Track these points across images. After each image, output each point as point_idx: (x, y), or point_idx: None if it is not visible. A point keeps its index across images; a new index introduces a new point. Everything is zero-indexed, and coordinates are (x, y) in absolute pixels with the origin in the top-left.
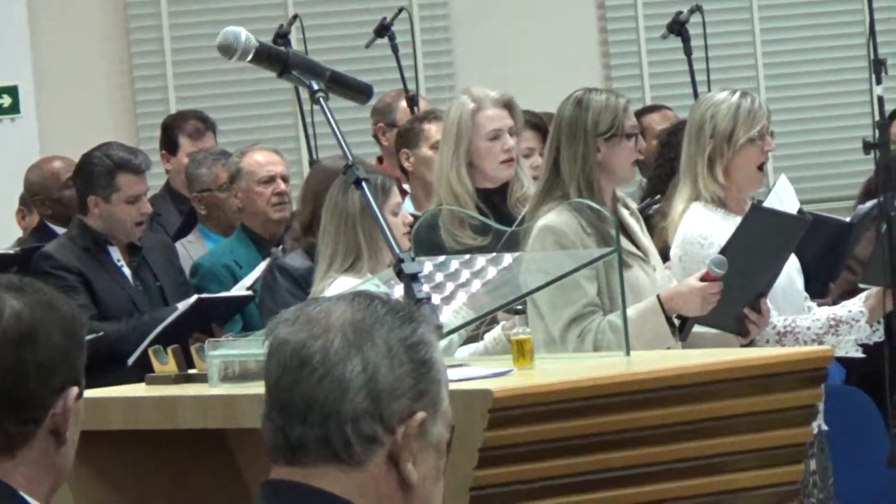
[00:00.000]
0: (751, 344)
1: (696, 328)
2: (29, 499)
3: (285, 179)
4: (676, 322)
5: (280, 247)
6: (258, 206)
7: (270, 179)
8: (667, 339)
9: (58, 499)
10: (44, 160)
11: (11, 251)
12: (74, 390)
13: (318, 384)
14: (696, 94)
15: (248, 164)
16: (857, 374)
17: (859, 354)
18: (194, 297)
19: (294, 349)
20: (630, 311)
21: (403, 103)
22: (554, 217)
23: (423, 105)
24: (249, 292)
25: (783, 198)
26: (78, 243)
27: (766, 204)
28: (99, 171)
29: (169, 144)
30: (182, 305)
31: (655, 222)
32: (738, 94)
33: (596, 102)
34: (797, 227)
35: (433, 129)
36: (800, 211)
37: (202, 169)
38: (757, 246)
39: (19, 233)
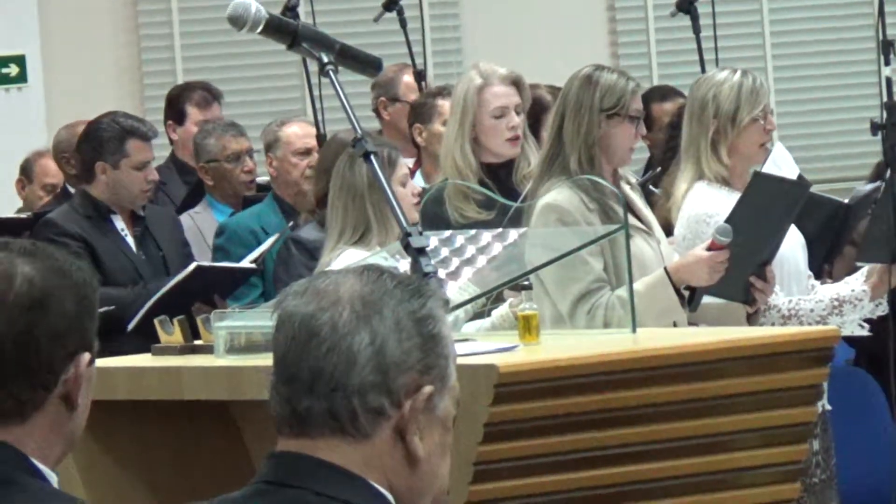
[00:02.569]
0: (755, 321)
1: (703, 300)
2: (39, 464)
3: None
4: (685, 294)
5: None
6: (292, 176)
7: (307, 152)
8: (676, 311)
9: (62, 467)
10: (77, 122)
11: (24, 216)
12: (86, 356)
13: (326, 356)
14: (703, 73)
15: (285, 135)
16: (866, 354)
17: (865, 332)
18: (193, 265)
19: (302, 321)
20: (638, 285)
21: (406, 77)
22: (556, 195)
23: (430, 80)
24: (252, 265)
25: (781, 164)
26: (80, 212)
27: (765, 170)
28: (108, 136)
29: (175, 114)
30: (181, 273)
31: (656, 201)
32: (739, 73)
33: (605, 80)
34: (799, 192)
35: (447, 106)
36: (800, 176)
37: (210, 139)
38: (760, 213)
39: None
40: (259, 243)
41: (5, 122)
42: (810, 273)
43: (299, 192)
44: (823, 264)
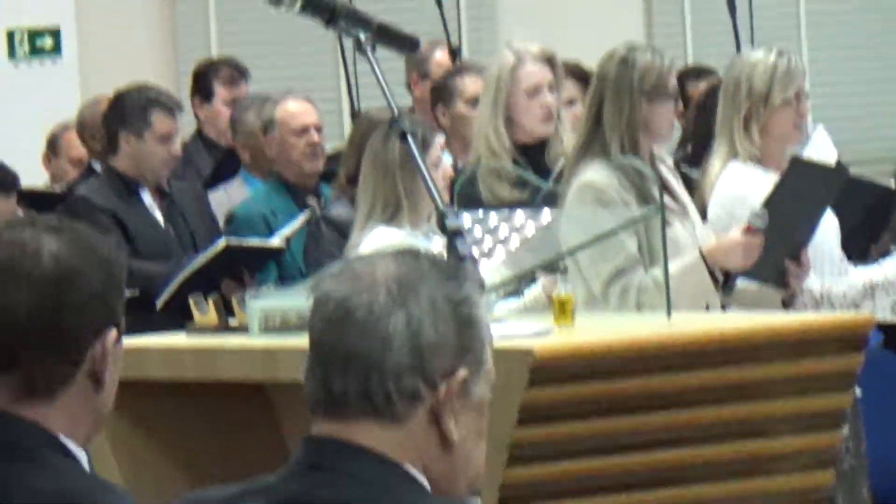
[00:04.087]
0: (790, 305)
1: (738, 283)
2: (68, 442)
3: (318, 129)
4: (720, 277)
5: (320, 198)
6: (292, 156)
7: (304, 130)
8: (710, 294)
9: (95, 447)
10: (100, 97)
11: (56, 190)
12: (113, 332)
13: (361, 338)
14: (738, 51)
15: (281, 114)
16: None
17: None
18: (222, 241)
19: (338, 303)
20: (673, 267)
21: (438, 54)
22: (593, 174)
23: (465, 56)
24: (281, 244)
25: (820, 148)
26: (109, 186)
27: (805, 155)
28: (132, 106)
29: (202, 91)
30: (209, 250)
31: (697, 185)
32: (774, 54)
33: (641, 60)
34: (836, 178)
35: (468, 83)
36: (838, 162)
37: (249, 114)
38: (796, 198)
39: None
40: (269, 226)
41: (40, 95)
42: (843, 256)
43: (302, 171)
44: (868, 247)
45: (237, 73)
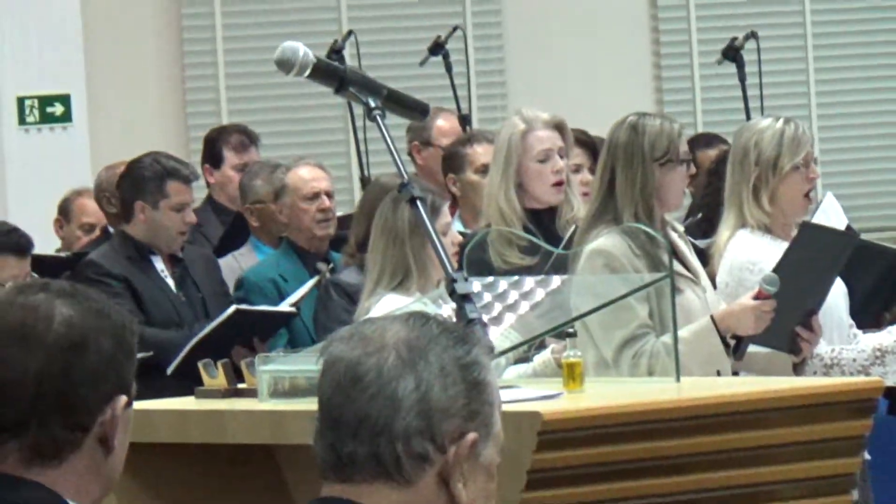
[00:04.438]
0: (801, 371)
1: (749, 348)
2: None
3: (329, 195)
4: (731, 342)
5: (330, 265)
6: (303, 222)
7: (315, 196)
8: (721, 360)
9: None
10: (118, 163)
11: (63, 254)
12: (123, 398)
13: (371, 401)
14: (748, 120)
15: (292, 180)
16: None
17: None
18: (232, 308)
19: (348, 366)
20: (684, 332)
21: (440, 122)
22: (604, 241)
23: (475, 124)
24: (292, 309)
25: (830, 214)
26: (121, 252)
27: (815, 221)
28: (148, 176)
29: (212, 157)
30: (220, 316)
31: (708, 251)
32: (781, 121)
33: (651, 127)
34: (846, 243)
35: (478, 152)
36: (848, 227)
37: (257, 180)
38: (807, 263)
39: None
40: (279, 291)
41: (50, 162)
42: (852, 322)
43: (313, 236)
44: (883, 313)
45: (247, 138)
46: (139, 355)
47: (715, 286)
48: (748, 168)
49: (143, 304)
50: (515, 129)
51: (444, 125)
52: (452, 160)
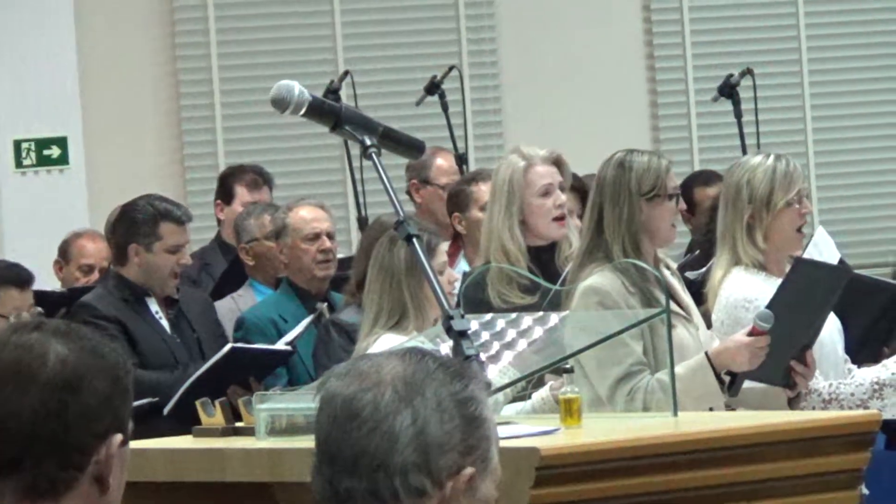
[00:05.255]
0: (796, 405)
1: (744, 384)
2: None
3: (330, 236)
4: (725, 378)
5: (325, 303)
6: (303, 262)
7: (316, 236)
8: (716, 396)
9: None
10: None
11: (60, 291)
12: (118, 437)
13: (368, 436)
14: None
15: (293, 221)
16: None
17: None
18: (228, 346)
19: (345, 402)
20: (679, 368)
21: (438, 160)
22: (598, 278)
23: (472, 164)
24: (287, 347)
25: (823, 249)
26: (116, 294)
27: (806, 255)
28: (142, 218)
29: (224, 194)
30: (216, 355)
31: (702, 288)
32: (772, 158)
33: (638, 163)
34: (839, 277)
35: (483, 191)
36: (841, 261)
37: (250, 220)
38: (801, 299)
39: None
40: (279, 331)
41: (47, 204)
42: (847, 357)
43: (313, 276)
44: (882, 348)
45: (261, 178)
46: (136, 403)
47: (710, 325)
48: (741, 206)
49: (138, 347)
50: (516, 166)
51: (443, 164)
52: (458, 198)
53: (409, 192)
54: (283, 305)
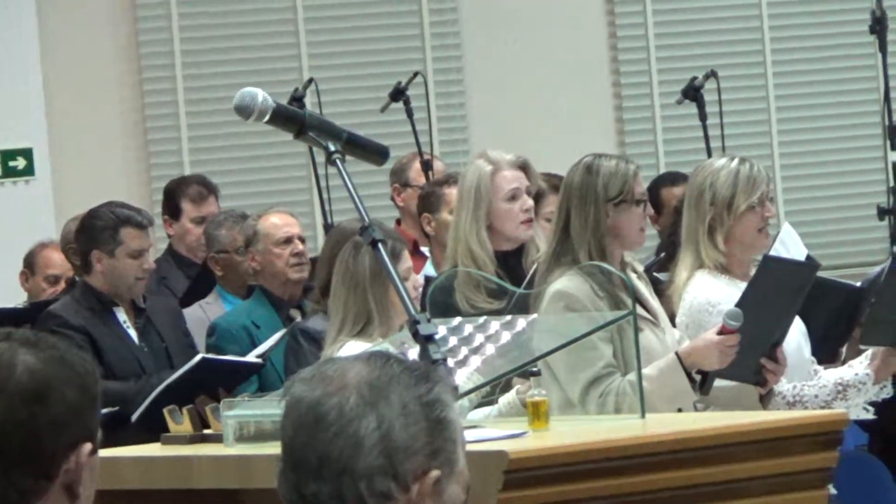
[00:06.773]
0: (768, 402)
1: (716, 382)
2: None
3: (302, 240)
4: (697, 378)
5: (302, 310)
6: (277, 267)
7: (288, 240)
8: (688, 395)
9: None
10: (83, 214)
11: (20, 306)
12: (88, 446)
13: (333, 441)
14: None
15: (264, 227)
16: (882, 440)
17: (870, 416)
18: (198, 357)
19: (309, 406)
20: (649, 370)
21: (417, 163)
22: (566, 282)
23: (437, 168)
24: (258, 360)
25: (789, 245)
26: (83, 304)
27: (773, 253)
28: (102, 225)
29: (171, 209)
30: (186, 365)
31: (664, 290)
32: (736, 161)
33: (606, 168)
34: (808, 272)
35: (453, 193)
36: (808, 257)
37: (221, 230)
38: (770, 296)
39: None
40: (252, 338)
41: (13, 216)
42: (813, 359)
43: (287, 280)
44: (839, 349)
45: (205, 189)
46: (105, 410)
47: (674, 325)
48: (703, 208)
49: (104, 356)
50: (483, 171)
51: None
52: (428, 199)
53: (392, 198)
54: (255, 312)
